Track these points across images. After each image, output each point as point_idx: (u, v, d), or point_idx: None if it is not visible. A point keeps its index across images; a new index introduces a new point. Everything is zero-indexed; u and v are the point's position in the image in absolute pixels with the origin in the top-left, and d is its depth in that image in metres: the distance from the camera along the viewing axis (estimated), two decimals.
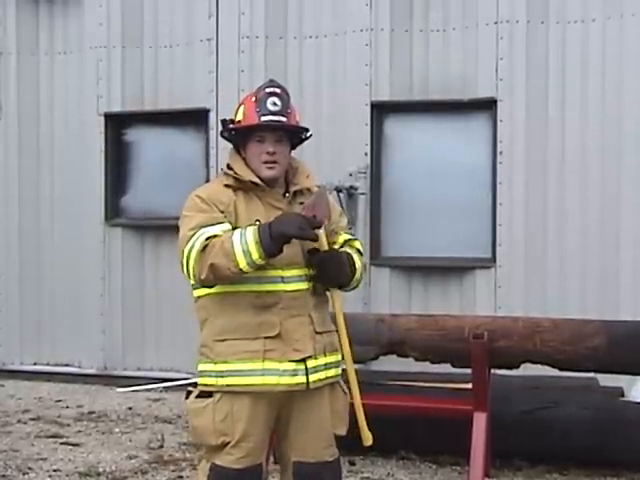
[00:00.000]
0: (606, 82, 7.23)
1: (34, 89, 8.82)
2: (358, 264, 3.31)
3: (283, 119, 3.22)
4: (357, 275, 3.31)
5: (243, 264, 3.03)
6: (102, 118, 8.54)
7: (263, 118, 3.20)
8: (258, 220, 3.16)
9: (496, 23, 7.46)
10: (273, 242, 3.01)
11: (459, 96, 7.57)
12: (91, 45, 8.56)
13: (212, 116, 8.06)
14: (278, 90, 3.26)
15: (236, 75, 8.06)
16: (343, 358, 3.32)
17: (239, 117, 3.28)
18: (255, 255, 3.02)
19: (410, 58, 7.72)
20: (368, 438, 3.32)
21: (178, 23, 8.35)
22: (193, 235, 3.10)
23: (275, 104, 3.21)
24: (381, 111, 7.86)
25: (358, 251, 3.41)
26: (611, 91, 7.21)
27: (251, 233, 3.03)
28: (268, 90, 3.25)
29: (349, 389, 3.33)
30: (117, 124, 8.65)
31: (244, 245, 3.02)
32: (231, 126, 3.29)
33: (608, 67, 7.23)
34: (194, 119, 8.33)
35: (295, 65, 8.00)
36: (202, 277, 3.08)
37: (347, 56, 7.84)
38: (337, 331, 3.30)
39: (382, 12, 7.73)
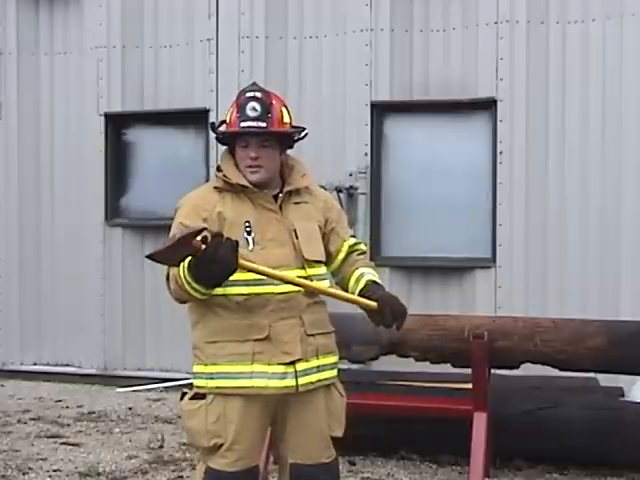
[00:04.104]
0: (606, 82, 7.23)
1: (34, 89, 8.82)
2: (377, 279, 3.30)
3: (262, 124, 3.18)
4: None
5: (200, 296, 3.07)
6: (102, 118, 8.54)
7: (242, 124, 3.18)
8: (248, 222, 3.16)
9: (496, 23, 7.46)
10: (213, 285, 3.03)
11: (459, 96, 7.57)
12: (91, 45, 8.57)
13: (212, 116, 8.05)
14: (258, 94, 3.22)
15: (236, 75, 8.06)
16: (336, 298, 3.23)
17: (228, 120, 3.27)
18: (204, 290, 3.04)
19: (410, 58, 7.72)
20: (373, 304, 3.16)
21: (178, 23, 8.35)
22: None
23: (255, 109, 3.18)
24: (381, 111, 7.86)
25: (364, 253, 3.45)
26: (611, 91, 7.21)
27: (191, 277, 2.98)
28: (248, 95, 3.22)
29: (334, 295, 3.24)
30: (117, 124, 8.66)
31: (193, 286, 3.01)
32: (219, 130, 3.29)
33: (608, 67, 7.22)
34: (194, 119, 8.33)
35: (295, 65, 8.00)
36: (179, 303, 3.20)
37: (347, 56, 7.84)
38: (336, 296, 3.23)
39: (382, 12, 7.73)
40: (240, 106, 3.21)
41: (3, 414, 7.04)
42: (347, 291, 3.33)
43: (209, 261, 2.91)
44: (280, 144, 3.27)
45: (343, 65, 7.87)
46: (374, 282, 3.26)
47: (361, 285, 3.26)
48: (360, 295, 3.23)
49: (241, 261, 3.00)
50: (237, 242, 2.97)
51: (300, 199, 3.31)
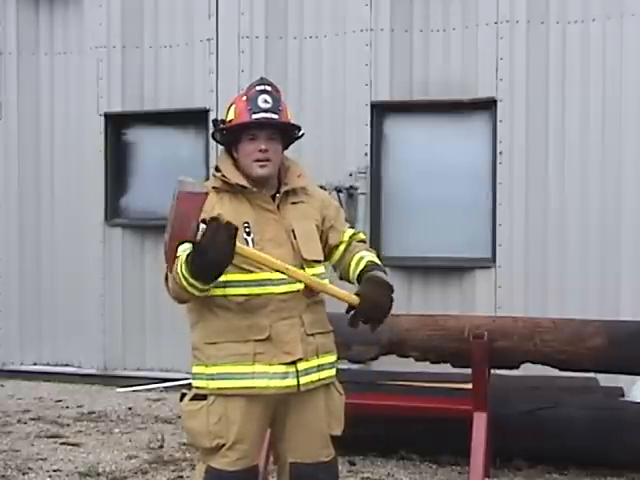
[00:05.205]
0: (606, 82, 7.23)
1: (34, 89, 8.82)
2: (378, 261, 3.31)
3: (275, 116, 3.20)
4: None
5: (198, 293, 3.04)
6: (102, 118, 8.55)
7: (255, 116, 3.18)
8: (247, 222, 3.15)
9: (496, 23, 7.47)
10: (210, 276, 2.98)
11: (459, 96, 7.57)
12: (91, 45, 8.57)
13: (212, 116, 8.05)
14: (269, 88, 3.25)
15: (236, 75, 8.06)
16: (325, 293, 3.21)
17: (230, 116, 3.26)
18: (201, 286, 3.00)
19: (410, 58, 7.72)
20: (355, 300, 3.13)
21: (178, 23, 8.36)
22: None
23: (266, 101, 3.20)
24: (381, 111, 7.86)
25: (364, 242, 3.46)
26: (611, 91, 7.21)
27: (187, 271, 2.95)
28: (259, 88, 3.24)
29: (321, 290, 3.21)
30: (117, 124, 8.66)
31: (190, 282, 2.98)
32: (222, 126, 3.28)
33: (608, 67, 7.22)
34: (194, 119, 8.34)
35: (295, 65, 8.00)
36: (178, 303, 3.17)
37: (347, 56, 7.84)
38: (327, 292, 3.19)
39: (382, 12, 7.74)
40: (251, 99, 3.21)
41: (3, 414, 7.04)
42: (348, 276, 3.33)
43: (208, 243, 2.87)
44: (283, 140, 3.28)
45: (343, 65, 7.87)
46: (374, 263, 3.28)
47: (361, 266, 3.27)
48: (360, 274, 3.23)
49: (239, 246, 2.98)
50: (236, 228, 2.94)
51: (297, 199, 3.31)
